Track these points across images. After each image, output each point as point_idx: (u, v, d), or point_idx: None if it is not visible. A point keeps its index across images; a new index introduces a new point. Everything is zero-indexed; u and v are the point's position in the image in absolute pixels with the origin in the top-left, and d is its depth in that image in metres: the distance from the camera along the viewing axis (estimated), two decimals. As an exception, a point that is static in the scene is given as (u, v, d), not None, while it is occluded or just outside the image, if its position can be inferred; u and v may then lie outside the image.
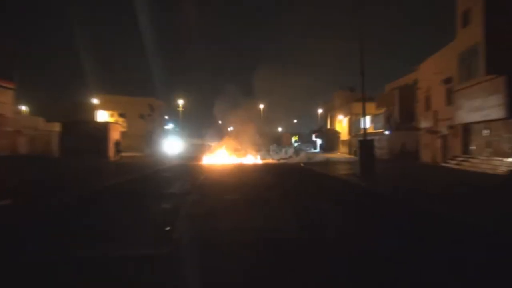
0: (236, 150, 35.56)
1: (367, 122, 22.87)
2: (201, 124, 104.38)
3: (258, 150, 36.86)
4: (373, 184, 14.17)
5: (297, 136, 68.18)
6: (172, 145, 44.17)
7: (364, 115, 19.33)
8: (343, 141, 52.85)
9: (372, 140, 18.57)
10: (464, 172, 19.29)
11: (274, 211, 8.77)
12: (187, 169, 22.93)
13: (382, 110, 37.75)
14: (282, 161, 33.41)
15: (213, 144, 40.77)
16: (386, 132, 34.95)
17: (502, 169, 17.84)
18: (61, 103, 45.59)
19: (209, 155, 34.83)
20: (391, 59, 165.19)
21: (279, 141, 51.30)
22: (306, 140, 65.99)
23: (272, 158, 35.34)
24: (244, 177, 17.58)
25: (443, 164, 24.03)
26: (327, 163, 28.68)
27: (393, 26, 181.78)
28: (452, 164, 22.82)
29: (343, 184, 15.11)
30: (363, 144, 18.00)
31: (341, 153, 49.00)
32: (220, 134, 42.09)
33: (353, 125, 47.24)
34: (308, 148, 59.91)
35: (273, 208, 9.25)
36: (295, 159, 33.88)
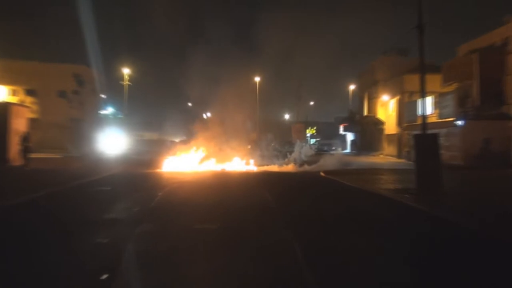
0: (215, 150, 25.65)
1: (428, 105, 15.37)
2: (160, 108, 68.73)
3: (251, 149, 27.03)
4: (441, 208, 9.96)
5: (315, 128, 51.54)
6: (112, 141, 32.81)
7: (423, 92, 13.37)
8: (389, 136, 37.96)
9: (436, 135, 13.07)
10: None
11: (271, 258, 6.04)
12: (137, 181, 17.35)
13: (453, 87, 27.74)
14: (283, 168, 24.07)
15: (179, 140, 30.79)
16: (459, 122, 25.10)
17: None
18: None
19: (172, 157, 24.62)
20: (467, 7, 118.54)
21: (286, 136, 39.37)
22: (328, 134, 49.45)
23: (274, 164, 25.56)
24: (226, 196, 13.06)
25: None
26: (364, 172, 20.97)
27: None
28: None
29: (388, 207, 11.12)
30: (422, 141, 12.96)
31: (386, 155, 36.33)
32: (191, 124, 29.46)
33: (406, 111, 33.76)
34: (332, 147, 46.28)
35: (270, 251, 6.44)
36: (312, 165, 23.94)
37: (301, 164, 24.52)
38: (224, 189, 15.00)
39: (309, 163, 24.63)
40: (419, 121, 15.32)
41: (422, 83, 13.38)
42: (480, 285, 5.07)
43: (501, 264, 5.87)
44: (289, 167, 24.03)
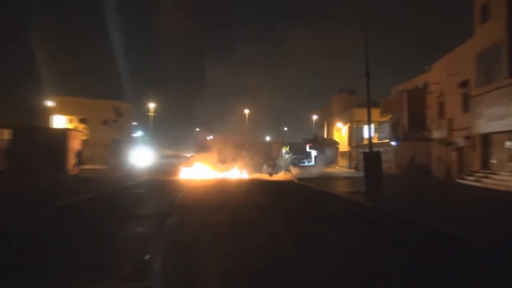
0: (217, 163, 32.81)
1: (372, 131, 20.34)
2: (176, 132, 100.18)
3: (244, 162, 33.78)
4: (383, 204, 12.97)
5: (288, 146, 64.24)
6: (142, 156, 41.21)
7: (369, 122, 17.27)
8: (342, 152, 49.10)
9: (379, 152, 17.12)
10: (485, 191, 17.74)
11: (269, 236, 8.26)
12: (160, 185, 21.22)
13: (388, 118, 35.16)
14: (274, 176, 30.26)
15: (190, 155, 38.06)
16: (393, 143, 32.45)
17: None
18: (9, 105, 39.15)
19: (185, 168, 31.58)
20: (398, 58, 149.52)
21: (268, 152, 47.99)
22: (298, 151, 61.86)
23: (262, 173, 32.27)
24: (230, 196, 16.29)
25: (459, 181, 22.06)
26: (325, 178, 26.51)
27: (400, 20, 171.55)
28: (469, 181, 20.88)
29: (345, 204, 14.11)
30: (369, 156, 16.57)
31: (340, 167, 45.92)
32: (199, 143, 39.22)
33: (354, 134, 44.08)
34: (301, 161, 56.69)
35: (267, 232, 8.75)
36: (287, 174, 30.93)
37: (286, 172, 31.41)
38: (227, 191, 18.30)
39: (286, 172, 31.30)
40: (365, 142, 19.80)
41: (369, 113, 17.13)
42: (403, 254, 6.79)
43: (423, 244, 7.65)
44: (274, 176, 30.28)
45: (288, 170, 32.02)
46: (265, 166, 33.95)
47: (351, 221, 10.36)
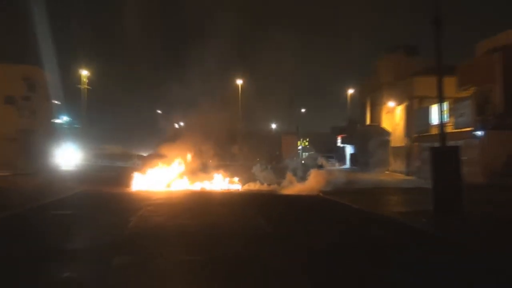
0: (192, 166, 23.94)
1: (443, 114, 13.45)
2: (124, 117, 66.49)
3: (236, 165, 25.85)
4: (466, 234, 9.17)
5: (307, 140, 48.43)
6: (69, 155, 31.35)
7: (440, 98, 12.22)
8: (396, 149, 34.59)
9: (456, 148, 12.31)
10: None
11: None
12: (102, 203, 16.20)
13: (470, 92, 25.18)
14: (286, 188, 22.05)
15: (147, 154, 29.31)
16: (478, 133, 23.31)
17: None
18: None
19: (141, 175, 22.67)
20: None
21: (275, 149, 37.55)
22: (324, 146, 45.22)
23: (261, 183, 23.82)
24: (214, 219, 12.20)
25: None
26: (369, 191, 19.74)
27: None
28: None
29: (403, 234, 10.28)
30: (440, 155, 12.15)
31: (392, 172, 33.31)
32: (163, 135, 28.61)
33: (416, 119, 31.07)
34: (328, 160, 41.91)
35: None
36: (304, 183, 22.06)
37: (300, 179, 22.74)
38: (208, 212, 13.88)
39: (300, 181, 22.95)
40: (433, 132, 14.14)
41: (440, 85, 12.15)
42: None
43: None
44: (272, 186, 22.45)
45: (303, 178, 23.03)
46: (259, 169, 25.01)
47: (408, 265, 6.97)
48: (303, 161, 30.42)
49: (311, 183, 21.75)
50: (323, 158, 31.00)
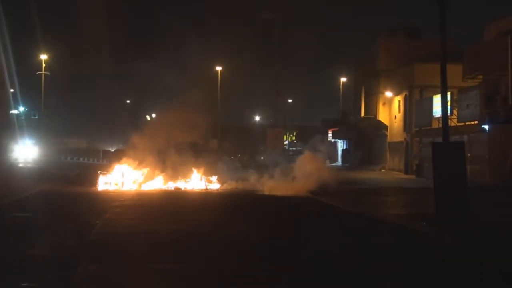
0: (165, 163, 22.45)
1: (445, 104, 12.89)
2: (90, 108, 60.39)
3: (213, 162, 24.02)
4: (473, 240, 8.87)
5: (294, 134, 47.62)
6: (26, 150, 30.24)
7: (444, 87, 11.74)
8: (394, 144, 33.17)
9: (461, 144, 12.23)
10: None
11: None
12: (65, 204, 15.73)
13: (477, 81, 24.03)
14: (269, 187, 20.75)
15: (115, 149, 28.27)
16: (486, 127, 22.66)
17: None
18: None
19: (108, 172, 22.12)
20: None
21: (259, 143, 36.44)
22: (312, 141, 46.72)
23: (246, 181, 22.53)
24: (190, 223, 12.05)
25: None
26: (363, 191, 19.41)
27: None
28: None
29: (405, 240, 9.97)
30: (443, 151, 11.97)
31: (389, 170, 32.44)
32: (132, 128, 25.99)
33: (416, 111, 29.99)
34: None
35: None
36: (292, 181, 20.89)
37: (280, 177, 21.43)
38: (184, 214, 13.88)
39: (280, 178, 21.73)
40: (435, 125, 13.42)
41: (443, 71, 11.56)
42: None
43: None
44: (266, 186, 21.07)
45: (286, 175, 21.77)
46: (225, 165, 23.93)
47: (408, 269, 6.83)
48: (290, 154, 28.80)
49: (299, 181, 20.74)
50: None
